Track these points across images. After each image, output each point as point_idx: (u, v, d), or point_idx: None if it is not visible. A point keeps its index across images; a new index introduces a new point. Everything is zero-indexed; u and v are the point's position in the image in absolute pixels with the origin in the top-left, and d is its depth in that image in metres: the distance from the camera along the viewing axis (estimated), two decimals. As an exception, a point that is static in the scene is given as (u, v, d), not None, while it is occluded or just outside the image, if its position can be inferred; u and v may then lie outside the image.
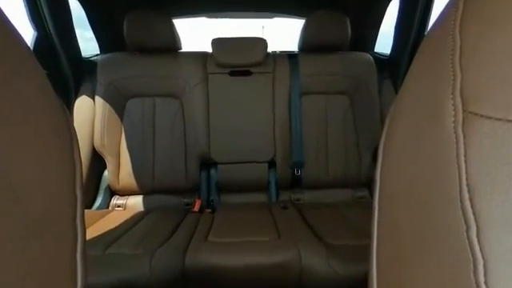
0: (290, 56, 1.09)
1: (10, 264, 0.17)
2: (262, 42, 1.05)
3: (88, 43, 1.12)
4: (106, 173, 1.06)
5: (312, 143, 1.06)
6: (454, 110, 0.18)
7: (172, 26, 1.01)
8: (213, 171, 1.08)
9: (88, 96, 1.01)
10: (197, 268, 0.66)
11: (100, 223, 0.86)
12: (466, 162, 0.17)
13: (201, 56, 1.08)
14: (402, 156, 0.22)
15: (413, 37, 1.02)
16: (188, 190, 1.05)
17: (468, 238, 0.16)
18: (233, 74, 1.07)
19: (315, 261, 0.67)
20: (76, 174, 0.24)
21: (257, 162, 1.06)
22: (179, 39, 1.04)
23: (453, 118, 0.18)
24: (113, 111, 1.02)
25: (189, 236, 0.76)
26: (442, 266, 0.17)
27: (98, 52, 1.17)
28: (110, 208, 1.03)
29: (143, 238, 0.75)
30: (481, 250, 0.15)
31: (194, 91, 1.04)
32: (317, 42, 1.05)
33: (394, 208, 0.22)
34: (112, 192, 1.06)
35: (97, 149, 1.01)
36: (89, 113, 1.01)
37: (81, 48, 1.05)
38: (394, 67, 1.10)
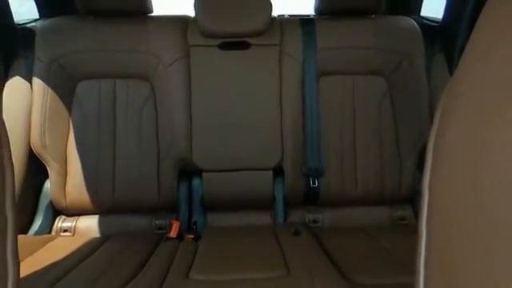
0: (303, 22, 0.90)
1: None
2: (263, 3, 0.85)
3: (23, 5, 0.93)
4: (47, 184, 0.87)
5: (334, 143, 0.88)
6: None
7: None
8: (196, 182, 0.89)
9: (23, 77, 0.83)
10: None
11: (40, 254, 0.71)
12: None
13: (179, 22, 0.88)
14: (462, 160, 0.18)
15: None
16: (161, 208, 0.86)
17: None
18: (224, 46, 0.86)
19: None
20: (5, 187, 0.21)
21: (258, 170, 0.87)
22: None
23: None
24: (57, 98, 0.83)
25: (163, 272, 0.64)
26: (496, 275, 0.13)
27: (37, 16, 0.95)
28: (53, 233, 0.85)
29: (99, 275, 0.64)
30: None
31: (169, 71, 0.85)
32: (341, 3, 0.88)
33: (449, 234, 0.18)
34: (56, 211, 0.87)
35: (35, 151, 0.82)
36: (24, 100, 0.82)
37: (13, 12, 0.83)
38: (448, 37, 0.91)
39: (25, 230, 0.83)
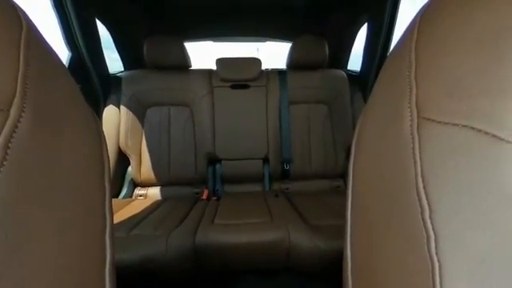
0: (279, 72, 1.14)
1: (50, 239, 0.17)
2: (257, 62, 1.11)
3: (114, 63, 1.16)
4: (129, 168, 1.09)
5: (298, 143, 1.11)
6: (411, 116, 0.19)
7: (183, 48, 1.06)
8: (218, 166, 1.11)
9: (114, 105, 1.06)
10: (205, 245, 0.68)
11: (125, 210, 0.86)
12: (420, 158, 0.17)
13: (207, 72, 1.13)
14: (370, 153, 0.22)
15: (378, 57, 1.08)
16: (197, 181, 1.09)
17: (423, 219, 0.16)
18: (234, 87, 1.11)
19: (301, 238, 0.69)
20: (105, 169, 0.24)
21: (253, 159, 1.10)
22: (189, 58, 1.10)
23: (410, 123, 0.19)
24: (135, 117, 1.06)
25: (198, 219, 0.77)
26: (403, 242, 0.17)
27: (123, 69, 1.22)
28: (133, 197, 1.06)
29: (161, 221, 0.76)
30: (433, 228, 0.16)
31: (201, 101, 1.09)
32: (301, 61, 1.10)
33: (364, 195, 0.22)
34: (135, 184, 1.09)
35: (122, 149, 1.05)
36: (115, 119, 1.05)
37: (108, 66, 1.09)
38: (363, 82, 1.16)
39: (116, 196, 1.05)
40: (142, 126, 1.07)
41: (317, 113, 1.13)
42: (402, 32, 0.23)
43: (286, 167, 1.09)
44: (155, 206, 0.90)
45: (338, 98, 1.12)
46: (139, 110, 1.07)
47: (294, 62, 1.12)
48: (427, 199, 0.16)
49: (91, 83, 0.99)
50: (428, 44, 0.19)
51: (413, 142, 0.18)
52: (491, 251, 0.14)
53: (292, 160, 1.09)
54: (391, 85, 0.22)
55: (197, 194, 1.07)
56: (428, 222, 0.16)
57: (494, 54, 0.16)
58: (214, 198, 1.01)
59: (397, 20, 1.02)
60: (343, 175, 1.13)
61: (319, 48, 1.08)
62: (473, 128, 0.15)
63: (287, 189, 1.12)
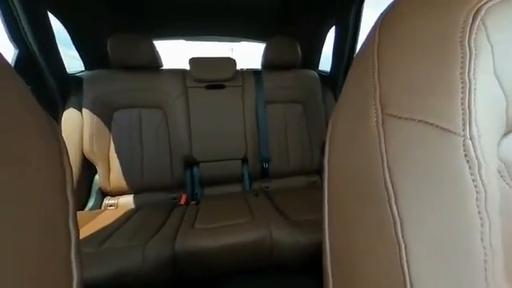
0: (254, 72, 1.14)
1: (8, 265, 0.16)
2: (231, 62, 1.09)
3: (73, 61, 1.05)
4: (97, 177, 1.01)
5: (275, 142, 1.12)
6: (376, 112, 0.20)
7: (152, 47, 1.00)
8: (195, 169, 1.08)
9: (75, 108, 0.96)
10: (185, 252, 0.65)
11: (93, 223, 0.80)
12: (386, 150, 0.19)
13: (180, 73, 1.08)
14: (343, 148, 0.23)
15: (346, 58, 1.13)
16: (174, 186, 1.04)
17: (390, 206, 0.18)
18: (209, 87, 1.09)
19: (282, 234, 0.70)
20: (66, 179, 0.23)
21: (232, 159, 1.08)
22: (159, 58, 1.04)
23: (375, 119, 0.20)
24: (100, 121, 0.98)
25: (177, 226, 0.74)
26: (374, 229, 0.19)
27: (83, 69, 1.11)
28: (102, 208, 0.99)
29: (135, 231, 0.72)
30: (398, 214, 0.17)
31: (175, 102, 1.04)
32: (276, 62, 1.12)
33: (338, 188, 0.24)
34: (104, 193, 1.02)
35: (86, 155, 0.96)
36: (77, 123, 0.96)
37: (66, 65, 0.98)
38: (333, 82, 1.21)
39: (82, 208, 0.95)
40: (109, 130, 1.00)
41: (292, 112, 1.14)
42: (366, 35, 0.25)
43: (265, 166, 1.09)
44: (128, 216, 0.85)
45: (311, 98, 1.15)
46: (105, 113, 0.99)
47: (268, 63, 1.13)
48: (393, 188, 0.18)
49: (45, 84, 0.89)
50: (388, 47, 0.21)
51: (379, 137, 0.19)
52: (445, 234, 0.16)
53: (271, 159, 1.10)
54: (358, 84, 0.23)
55: (174, 199, 1.03)
56: (394, 208, 0.17)
57: (439, 58, 0.18)
58: (193, 202, 0.98)
59: (361, 23, 1.09)
60: (319, 171, 1.16)
61: (292, 49, 1.10)
62: (426, 122, 0.18)
63: (267, 187, 1.12)
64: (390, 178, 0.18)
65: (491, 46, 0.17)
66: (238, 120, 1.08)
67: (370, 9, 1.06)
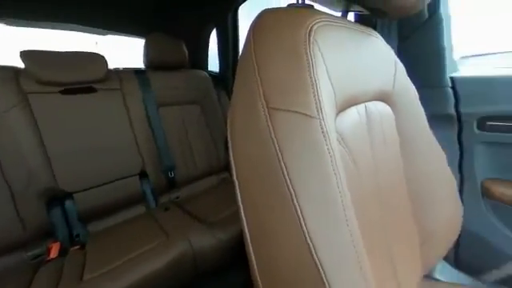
0: (136, 72, 1.00)
1: None
2: (99, 58, 0.89)
3: None
4: None
5: (177, 147, 1.04)
6: (263, 107, 0.24)
7: None
8: (68, 203, 0.79)
9: None
10: None
11: None
12: (277, 142, 0.23)
13: (10, 72, 0.75)
14: (243, 143, 0.26)
15: (231, 59, 1.21)
16: (31, 239, 0.72)
17: (285, 182, 0.23)
18: (68, 91, 0.82)
19: (203, 239, 0.69)
20: None
21: (124, 178, 0.89)
22: None
23: (263, 113, 0.24)
24: None
25: (51, 286, 0.56)
26: (277, 201, 0.23)
27: None
28: None
29: None
30: (292, 187, 0.23)
31: (8, 117, 0.71)
32: (161, 61, 1.04)
33: (247, 178, 0.26)
34: None
35: None
36: None
37: None
38: (224, 81, 1.27)
39: None
40: None
41: (190, 113, 1.11)
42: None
43: (171, 175, 1.00)
44: None
45: (207, 98, 1.15)
46: None
47: (153, 62, 1.03)
48: (286, 168, 0.22)
49: None
50: (262, 50, 0.26)
51: (269, 130, 0.23)
52: (322, 189, 0.23)
53: (175, 166, 1.02)
54: (245, 83, 0.26)
55: (36, 257, 0.71)
56: (289, 183, 0.22)
57: (296, 63, 0.25)
58: (76, 247, 0.74)
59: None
60: (227, 167, 1.18)
61: (177, 48, 1.06)
62: (298, 112, 0.23)
63: (177, 197, 1.03)
64: (283, 160, 0.22)
65: (322, 55, 0.26)
66: (123, 129, 0.90)
67: (244, 18, 1.21)
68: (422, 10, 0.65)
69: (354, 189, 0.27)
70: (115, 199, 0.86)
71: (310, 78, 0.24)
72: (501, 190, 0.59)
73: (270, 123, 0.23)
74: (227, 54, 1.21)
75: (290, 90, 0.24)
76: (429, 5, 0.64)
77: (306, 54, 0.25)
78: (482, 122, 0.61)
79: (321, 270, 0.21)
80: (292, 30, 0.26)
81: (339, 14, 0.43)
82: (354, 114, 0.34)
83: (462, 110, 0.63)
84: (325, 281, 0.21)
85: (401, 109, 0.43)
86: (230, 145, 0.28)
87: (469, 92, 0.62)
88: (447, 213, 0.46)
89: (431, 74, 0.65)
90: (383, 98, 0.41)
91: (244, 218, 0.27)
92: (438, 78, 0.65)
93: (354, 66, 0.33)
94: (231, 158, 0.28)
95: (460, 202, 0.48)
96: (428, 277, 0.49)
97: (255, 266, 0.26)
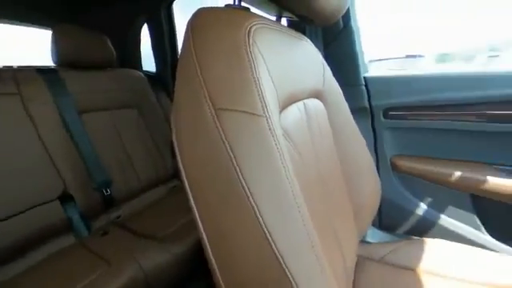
0: (42, 72, 0.82)
1: None
2: None
3: None
4: None
5: (112, 158, 0.91)
6: (209, 108, 0.23)
7: None
8: None
9: None
10: None
11: None
12: (228, 143, 0.23)
13: None
14: (192, 146, 0.25)
15: (169, 58, 1.15)
16: None
17: (239, 179, 0.23)
18: None
19: (155, 258, 0.63)
20: None
21: (40, 205, 0.71)
22: None
23: (210, 114, 0.23)
24: None
25: None
26: (237, 207, 0.23)
27: None
28: None
29: None
30: (246, 184, 0.23)
31: None
32: (77, 58, 0.88)
33: (199, 182, 0.26)
34: None
35: None
36: None
37: None
38: (162, 82, 1.18)
39: None
40: None
41: (126, 119, 0.98)
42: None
43: (107, 192, 0.85)
44: None
45: (144, 100, 1.04)
46: None
47: (65, 59, 0.87)
48: (239, 168, 0.23)
49: None
50: (203, 50, 0.25)
51: (218, 131, 0.23)
52: (274, 181, 0.24)
53: (112, 181, 0.87)
54: (188, 83, 0.26)
55: None
56: (243, 181, 0.23)
57: (239, 63, 0.25)
58: None
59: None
60: (176, 174, 1.09)
61: (98, 43, 0.93)
62: (244, 111, 0.23)
63: (118, 217, 0.89)
64: (235, 159, 0.23)
65: (262, 56, 0.27)
66: (28, 144, 0.72)
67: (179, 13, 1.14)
68: (339, 21, 0.77)
69: (300, 178, 0.29)
70: (31, 232, 0.68)
71: (253, 77, 0.25)
72: (403, 164, 0.77)
73: (218, 124, 0.23)
74: (164, 52, 1.13)
75: (235, 89, 0.24)
76: (343, 17, 0.76)
77: (247, 54, 0.26)
78: (386, 112, 0.78)
79: (281, 260, 0.22)
80: (232, 31, 0.27)
81: (274, 19, 0.46)
82: (295, 110, 0.37)
83: (373, 103, 0.79)
84: (286, 271, 0.22)
85: (330, 104, 0.51)
86: (176, 149, 0.27)
87: (377, 89, 0.78)
88: (371, 187, 0.57)
89: (350, 74, 0.79)
90: (317, 95, 0.47)
91: (200, 223, 0.26)
92: (355, 78, 0.79)
93: (290, 66, 0.36)
94: (179, 163, 0.27)
95: (378, 176, 0.60)
96: (362, 241, 0.59)
97: (217, 271, 0.26)
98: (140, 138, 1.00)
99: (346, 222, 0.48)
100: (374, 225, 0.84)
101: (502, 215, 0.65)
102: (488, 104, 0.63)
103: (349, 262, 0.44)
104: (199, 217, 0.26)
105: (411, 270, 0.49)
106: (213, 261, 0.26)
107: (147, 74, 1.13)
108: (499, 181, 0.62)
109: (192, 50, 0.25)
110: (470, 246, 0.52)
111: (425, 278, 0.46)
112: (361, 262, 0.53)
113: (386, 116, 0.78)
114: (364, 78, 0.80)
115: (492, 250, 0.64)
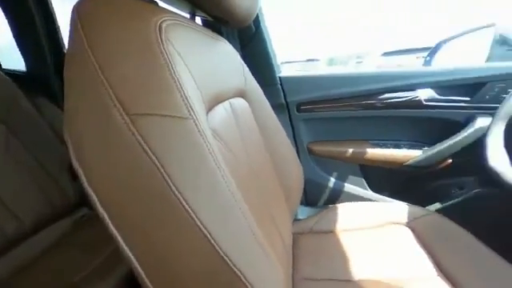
0: None
1: None
2: None
3: None
4: None
5: None
6: (121, 115, 0.20)
7: None
8: None
9: None
10: None
11: None
12: (152, 152, 0.20)
13: None
14: (102, 162, 0.21)
15: (48, 52, 0.90)
16: None
17: (172, 191, 0.21)
18: None
19: None
20: None
21: None
22: None
23: (123, 122, 0.20)
24: None
25: None
26: (174, 220, 0.21)
27: None
28: None
29: None
30: (179, 192, 0.21)
31: None
32: None
33: (119, 203, 0.22)
34: None
35: None
36: None
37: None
38: (40, 83, 0.93)
39: None
40: None
41: None
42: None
43: None
44: None
45: (14, 110, 0.77)
46: None
47: None
48: (170, 177, 0.20)
49: None
50: (102, 46, 0.21)
51: (135, 136, 0.20)
52: (210, 181, 0.23)
53: None
54: (85, 84, 0.22)
55: None
56: (177, 192, 0.21)
57: (153, 61, 0.22)
58: None
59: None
60: (83, 200, 0.89)
61: None
62: (164, 115, 0.21)
63: None
64: (164, 169, 0.20)
65: (179, 54, 0.26)
66: None
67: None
68: (251, 23, 0.84)
69: (235, 175, 0.29)
70: None
71: (172, 77, 0.23)
72: (317, 148, 0.94)
73: (136, 132, 0.20)
74: (38, 44, 0.88)
75: (152, 91, 0.21)
76: (253, 21, 0.83)
77: (162, 52, 0.23)
78: (299, 107, 0.93)
79: (229, 262, 0.22)
80: (138, 24, 0.23)
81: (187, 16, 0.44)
82: (221, 110, 0.38)
83: (288, 99, 0.92)
84: (236, 270, 0.22)
85: (254, 102, 0.54)
86: (78, 169, 0.22)
87: (290, 87, 0.91)
88: (295, 171, 0.66)
89: (266, 74, 0.89)
90: (241, 94, 0.49)
91: (129, 250, 0.23)
92: (272, 78, 0.90)
93: (211, 66, 0.35)
94: (86, 186, 0.22)
95: (299, 161, 0.70)
96: (295, 220, 0.69)
97: None
98: (13, 165, 0.74)
99: (280, 207, 0.54)
100: (301, 203, 0.98)
101: (380, 175, 0.91)
102: (363, 96, 0.86)
103: (287, 241, 0.50)
104: (126, 244, 0.23)
105: (331, 232, 0.61)
106: (148, 283, 0.23)
107: (13, 73, 0.86)
108: (375, 151, 0.88)
109: (86, 47, 0.21)
110: (363, 202, 0.71)
111: (341, 235, 0.59)
112: (295, 238, 0.61)
113: (298, 110, 0.93)
114: (279, 77, 0.91)
115: (375, 200, 0.91)
